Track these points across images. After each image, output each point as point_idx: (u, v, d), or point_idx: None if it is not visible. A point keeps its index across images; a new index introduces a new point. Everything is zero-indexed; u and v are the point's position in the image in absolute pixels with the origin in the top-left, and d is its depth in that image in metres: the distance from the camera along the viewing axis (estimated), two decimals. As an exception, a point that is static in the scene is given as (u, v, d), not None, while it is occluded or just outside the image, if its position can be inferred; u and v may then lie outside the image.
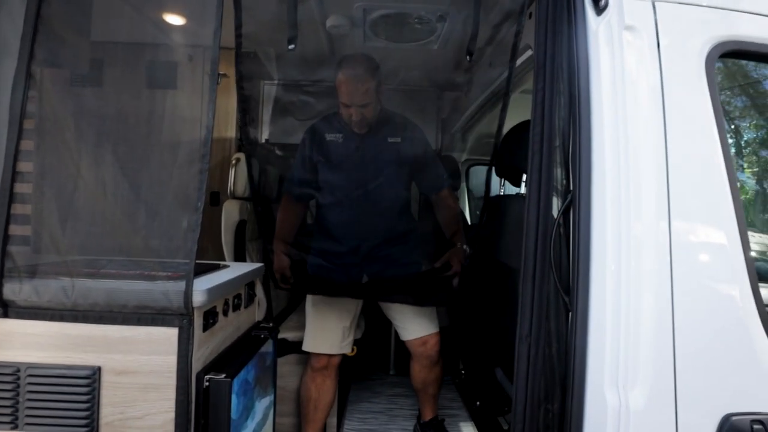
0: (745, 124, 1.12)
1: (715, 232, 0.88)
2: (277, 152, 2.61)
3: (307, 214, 1.95)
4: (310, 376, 1.81)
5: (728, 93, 1.06)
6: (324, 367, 1.79)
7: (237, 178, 2.06)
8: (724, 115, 0.91)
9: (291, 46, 1.15)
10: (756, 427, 0.79)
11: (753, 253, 0.89)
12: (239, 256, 2.01)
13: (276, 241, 1.74)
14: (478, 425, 2.13)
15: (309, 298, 1.84)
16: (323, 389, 1.80)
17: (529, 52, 1.58)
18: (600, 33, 0.92)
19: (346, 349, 1.82)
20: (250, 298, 1.39)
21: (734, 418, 0.80)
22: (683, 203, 0.87)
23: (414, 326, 1.82)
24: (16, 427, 0.94)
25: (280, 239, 1.76)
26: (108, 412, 0.94)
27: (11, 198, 0.97)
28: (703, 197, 0.89)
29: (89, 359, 0.94)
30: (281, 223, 1.80)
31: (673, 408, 0.81)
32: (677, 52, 0.89)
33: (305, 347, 1.80)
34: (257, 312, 1.51)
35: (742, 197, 0.95)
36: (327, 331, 1.78)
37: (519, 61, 1.75)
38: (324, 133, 1.74)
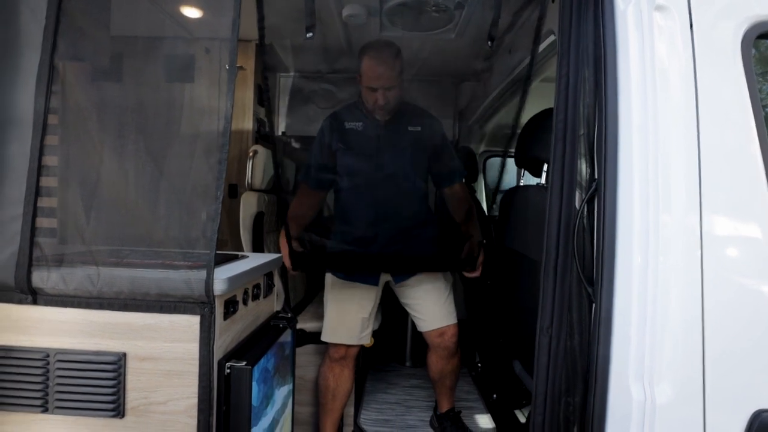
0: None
1: (748, 225, 0.84)
2: (294, 144, 2.62)
3: (323, 206, 1.95)
4: (328, 366, 1.83)
5: (766, 77, 1.01)
6: (342, 357, 1.81)
7: (255, 170, 2.08)
8: (761, 101, 0.87)
9: (309, 35, 1.14)
10: (790, 424, 0.76)
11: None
12: (257, 248, 2.03)
13: (284, 228, 1.68)
14: (495, 417, 2.12)
15: (328, 288, 1.84)
16: (341, 379, 1.82)
17: (551, 38, 1.53)
18: (629, 14, 0.88)
19: (365, 339, 1.83)
20: (269, 288, 1.40)
21: (765, 414, 0.78)
22: (715, 195, 0.84)
23: (432, 317, 1.82)
24: (46, 410, 0.97)
25: (291, 226, 1.70)
26: (133, 396, 0.97)
27: (38, 190, 0.99)
28: (737, 189, 0.85)
29: (115, 345, 0.97)
30: (294, 210, 1.80)
31: (701, 403, 0.78)
32: (711, 34, 0.85)
33: (324, 337, 1.81)
34: (276, 302, 1.53)
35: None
36: (346, 322, 1.79)
37: (540, 48, 1.70)
38: (344, 121, 1.74)
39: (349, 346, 1.80)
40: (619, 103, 0.89)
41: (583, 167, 0.96)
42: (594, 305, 0.89)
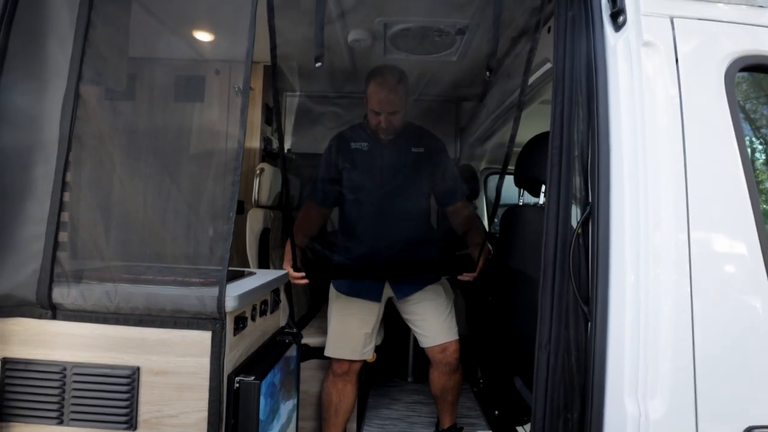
0: (765, 137, 1.12)
1: (735, 242, 0.89)
2: (300, 162, 2.68)
3: (327, 222, 2.00)
4: (331, 380, 1.85)
5: (750, 106, 1.07)
6: (345, 372, 1.83)
7: (261, 187, 2.14)
8: (744, 128, 0.92)
9: (318, 64, 1.20)
10: (779, 439, 0.79)
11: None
12: (263, 263, 2.07)
13: (289, 238, 1.63)
14: (496, 435, 2.13)
15: (331, 304, 1.88)
16: (344, 394, 1.84)
17: (549, 65, 1.60)
18: (618, 49, 0.94)
19: (368, 355, 1.85)
20: (275, 303, 1.44)
21: (756, 430, 0.81)
22: (702, 214, 0.88)
23: (434, 333, 1.85)
24: (61, 422, 1.00)
25: (297, 236, 1.68)
26: (146, 410, 1.00)
27: (61, 207, 1.04)
28: (723, 208, 0.90)
29: (129, 360, 1.00)
30: (300, 223, 1.83)
31: (693, 418, 0.81)
32: (696, 68, 0.91)
33: (327, 352, 1.84)
34: (282, 318, 1.56)
35: (763, 207, 0.95)
36: (349, 337, 1.82)
37: (539, 73, 1.77)
38: (350, 141, 1.80)
39: (352, 362, 1.82)
40: (610, 129, 0.94)
41: (578, 190, 1.01)
42: (589, 323, 0.93)
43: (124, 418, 0.99)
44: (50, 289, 1.01)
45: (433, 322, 1.85)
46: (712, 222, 0.89)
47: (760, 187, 1.09)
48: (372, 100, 1.71)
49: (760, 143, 1.12)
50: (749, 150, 0.94)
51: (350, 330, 1.82)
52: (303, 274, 1.60)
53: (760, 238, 0.87)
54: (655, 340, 0.85)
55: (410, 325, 1.92)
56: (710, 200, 0.89)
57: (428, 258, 1.84)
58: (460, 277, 1.73)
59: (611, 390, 0.87)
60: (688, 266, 0.86)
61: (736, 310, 0.86)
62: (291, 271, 1.60)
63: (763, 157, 1.12)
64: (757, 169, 1.11)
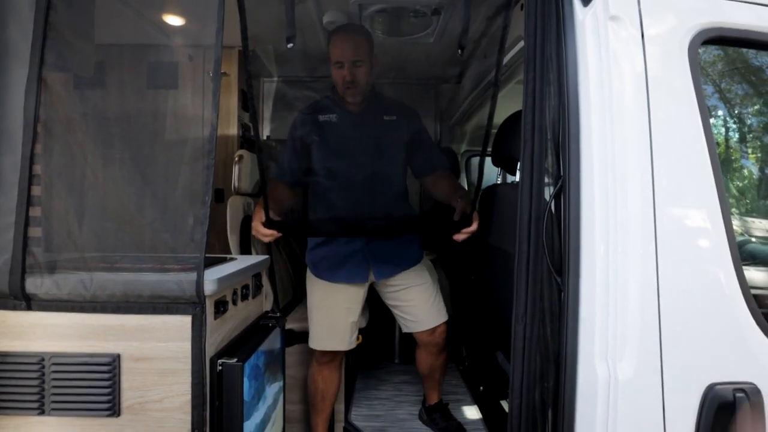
0: (730, 109, 1.16)
1: (698, 215, 0.92)
2: (279, 148, 2.65)
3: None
4: (316, 369, 1.82)
5: (715, 79, 1.10)
6: (330, 360, 1.80)
7: (241, 174, 2.11)
8: (708, 100, 0.95)
9: (289, 45, 1.18)
10: (738, 395, 0.84)
11: (736, 234, 0.93)
12: (245, 251, 2.06)
13: (262, 199, 1.49)
14: (481, 409, 2.19)
15: (312, 293, 1.80)
16: (329, 380, 1.82)
17: (522, 44, 1.60)
18: (587, 23, 0.95)
19: (353, 344, 1.82)
20: (257, 288, 1.44)
21: (718, 387, 0.85)
22: (667, 188, 0.91)
23: (424, 317, 1.81)
24: (43, 412, 1.00)
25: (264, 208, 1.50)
26: (129, 396, 1.00)
27: (29, 199, 1.02)
28: (686, 183, 0.92)
29: (109, 347, 1.00)
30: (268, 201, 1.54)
31: (659, 378, 0.86)
32: (660, 41, 0.93)
33: (313, 345, 1.78)
34: (264, 303, 1.57)
35: (725, 180, 0.99)
36: (336, 329, 1.76)
37: (514, 52, 1.78)
38: (317, 114, 1.70)
39: (337, 350, 1.80)
40: (580, 105, 0.96)
41: (551, 165, 1.03)
42: (563, 293, 0.96)
43: (106, 405, 0.99)
44: (23, 279, 1.00)
45: (422, 306, 1.81)
46: (677, 194, 0.92)
47: (723, 159, 1.13)
48: (334, 52, 1.62)
49: (726, 116, 1.16)
50: (714, 124, 0.97)
51: (337, 321, 1.76)
52: (272, 232, 1.46)
53: (722, 211, 0.90)
54: (623, 308, 0.88)
55: (397, 312, 1.85)
56: (674, 174, 0.92)
57: (408, 222, 1.75)
58: (457, 236, 1.55)
59: (583, 356, 0.91)
60: (653, 239, 0.89)
61: (699, 279, 0.90)
62: (260, 228, 1.46)
63: (728, 130, 1.16)
64: (721, 143, 1.15)
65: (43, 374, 0.99)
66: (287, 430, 1.63)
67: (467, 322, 2.43)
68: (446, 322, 1.85)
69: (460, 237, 1.55)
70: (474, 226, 1.54)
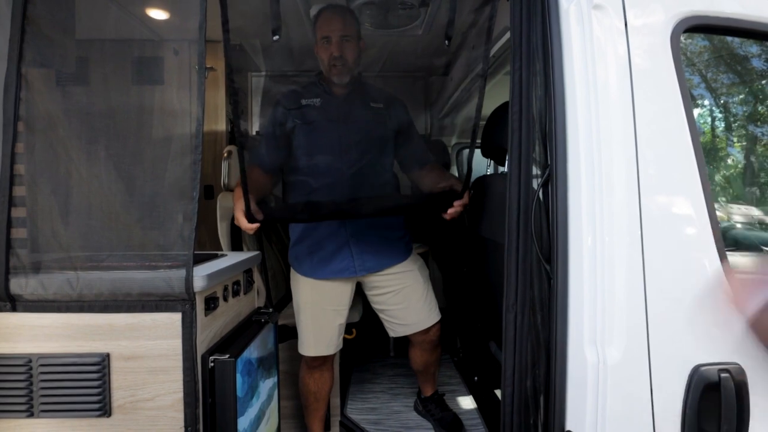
0: (714, 97, 1.17)
1: (682, 203, 0.93)
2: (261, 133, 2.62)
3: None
4: (307, 372, 1.79)
5: (700, 68, 1.10)
6: (321, 364, 1.77)
7: (230, 170, 2.09)
8: (692, 89, 0.95)
9: (275, 38, 1.17)
10: (723, 375, 0.86)
11: (720, 221, 0.94)
12: (236, 247, 2.05)
13: (241, 189, 1.39)
14: (476, 398, 2.21)
15: (298, 295, 1.74)
16: (321, 382, 1.80)
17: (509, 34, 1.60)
18: (571, 13, 0.95)
19: (341, 345, 1.78)
20: (249, 284, 1.44)
21: (703, 368, 0.87)
22: (651, 176, 0.92)
23: (417, 320, 1.76)
24: (32, 415, 0.99)
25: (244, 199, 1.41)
26: (119, 395, 1.00)
27: (11, 200, 1.00)
28: (670, 172, 0.93)
29: (98, 347, 0.99)
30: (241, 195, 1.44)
31: (646, 361, 0.87)
32: (643, 29, 0.93)
33: (303, 351, 1.73)
34: (257, 299, 1.56)
35: (709, 168, 1.00)
36: (324, 334, 1.72)
37: (501, 43, 1.78)
38: (300, 98, 1.63)
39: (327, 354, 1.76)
40: (566, 95, 0.96)
41: (539, 154, 1.03)
42: (552, 281, 0.97)
43: (96, 406, 0.98)
44: (7, 280, 0.98)
45: (412, 308, 1.74)
46: (662, 182, 0.93)
47: (707, 147, 1.15)
48: (321, 28, 1.58)
49: (710, 104, 1.17)
50: (698, 112, 0.97)
51: (325, 326, 1.71)
52: (257, 225, 1.40)
53: (705, 199, 0.91)
54: (611, 294, 0.89)
55: (384, 317, 1.78)
56: (659, 161, 0.93)
57: (396, 204, 1.63)
58: (450, 210, 1.48)
59: (573, 342, 0.92)
60: (639, 227, 0.90)
61: (684, 265, 0.91)
62: (244, 221, 1.40)
63: (713, 119, 1.17)
64: (706, 131, 1.16)
65: (31, 376, 0.98)
66: (282, 425, 1.63)
67: (461, 314, 2.44)
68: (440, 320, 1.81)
69: (451, 211, 1.48)
70: (465, 199, 1.48)
